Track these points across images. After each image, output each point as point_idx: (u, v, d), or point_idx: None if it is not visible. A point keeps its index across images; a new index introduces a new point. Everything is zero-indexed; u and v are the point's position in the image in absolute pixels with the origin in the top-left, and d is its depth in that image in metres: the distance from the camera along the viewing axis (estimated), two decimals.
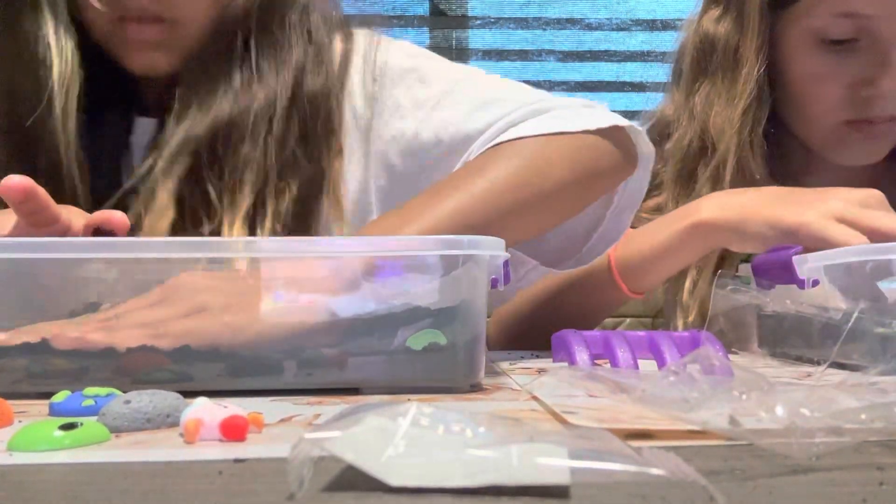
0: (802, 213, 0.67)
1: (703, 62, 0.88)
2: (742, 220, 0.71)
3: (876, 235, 0.64)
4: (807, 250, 0.64)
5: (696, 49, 0.89)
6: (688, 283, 0.86)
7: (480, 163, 0.67)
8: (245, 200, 0.70)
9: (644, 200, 0.83)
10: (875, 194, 0.68)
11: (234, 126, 0.71)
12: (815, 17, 0.83)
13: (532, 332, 0.77)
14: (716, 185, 0.85)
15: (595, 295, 0.81)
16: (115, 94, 0.75)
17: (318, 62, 0.77)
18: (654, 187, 0.90)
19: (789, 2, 0.84)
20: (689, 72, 0.90)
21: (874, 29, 0.81)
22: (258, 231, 0.69)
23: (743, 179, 0.84)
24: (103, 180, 0.72)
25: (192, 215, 0.69)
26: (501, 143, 0.67)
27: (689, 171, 0.88)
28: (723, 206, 0.73)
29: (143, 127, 0.77)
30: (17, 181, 0.53)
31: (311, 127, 0.74)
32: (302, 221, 0.72)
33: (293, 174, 0.72)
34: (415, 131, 0.74)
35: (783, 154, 0.91)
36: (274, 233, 0.68)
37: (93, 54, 0.72)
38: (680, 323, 0.86)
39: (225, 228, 0.68)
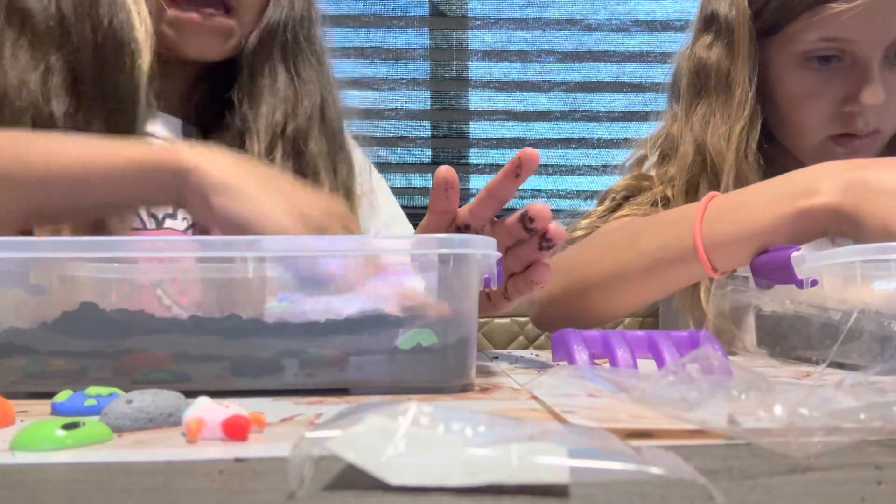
0: None
1: (698, 85, 0.95)
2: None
3: None
4: None
5: (691, 73, 0.96)
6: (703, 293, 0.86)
7: None
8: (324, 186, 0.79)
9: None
10: None
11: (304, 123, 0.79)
12: (802, 42, 0.88)
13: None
14: None
15: (675, 276, 0.75)
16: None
17: (336, 93, 0.84)
18: (662, 200, 0.93)
19: (776, 29, 0.90)
20: (686, 94, 0.96)
21: (854, 50, 0.86)
22: None
23: None
24: None
25: None
26: None
27: (693, 185, 0.92)
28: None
29: (167, 121, 0.80)
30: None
31: (334, 144, 0.82)
32: None
33: (338, 170, 0.82)
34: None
35: (778, 166, 0.95)
36: None
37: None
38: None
39: None
